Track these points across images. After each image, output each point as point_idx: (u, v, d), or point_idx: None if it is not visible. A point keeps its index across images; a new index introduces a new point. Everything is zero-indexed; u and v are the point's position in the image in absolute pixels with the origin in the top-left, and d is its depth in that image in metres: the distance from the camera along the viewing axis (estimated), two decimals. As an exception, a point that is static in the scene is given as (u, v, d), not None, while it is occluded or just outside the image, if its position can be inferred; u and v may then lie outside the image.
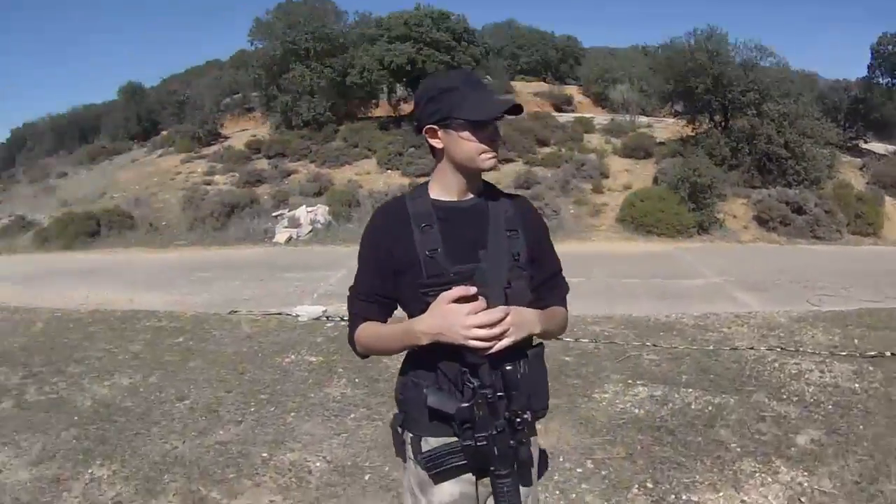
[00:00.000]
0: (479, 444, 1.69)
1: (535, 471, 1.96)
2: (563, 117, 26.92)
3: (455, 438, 1.75)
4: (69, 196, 22.24)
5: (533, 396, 1.79)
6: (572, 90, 35.89)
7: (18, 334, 7.90)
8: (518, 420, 1.68)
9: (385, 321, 1.90)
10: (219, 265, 13.01)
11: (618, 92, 30.58)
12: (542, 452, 2.14)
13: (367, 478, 4.00)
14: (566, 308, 2.01)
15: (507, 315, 1.66)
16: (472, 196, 1.87)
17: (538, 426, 2.01)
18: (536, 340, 1.86)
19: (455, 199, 1.85)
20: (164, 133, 30.07)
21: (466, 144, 1.76)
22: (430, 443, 1.81)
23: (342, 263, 11.18)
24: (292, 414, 5.05)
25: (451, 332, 1.66)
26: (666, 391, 5.17)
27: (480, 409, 1.68)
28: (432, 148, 1.84)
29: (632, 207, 15.55)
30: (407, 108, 27.22)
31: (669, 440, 4.31)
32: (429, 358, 1.79)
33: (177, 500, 3.84)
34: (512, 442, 1.69)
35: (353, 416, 4.99)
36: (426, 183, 1.91)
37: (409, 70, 23.72)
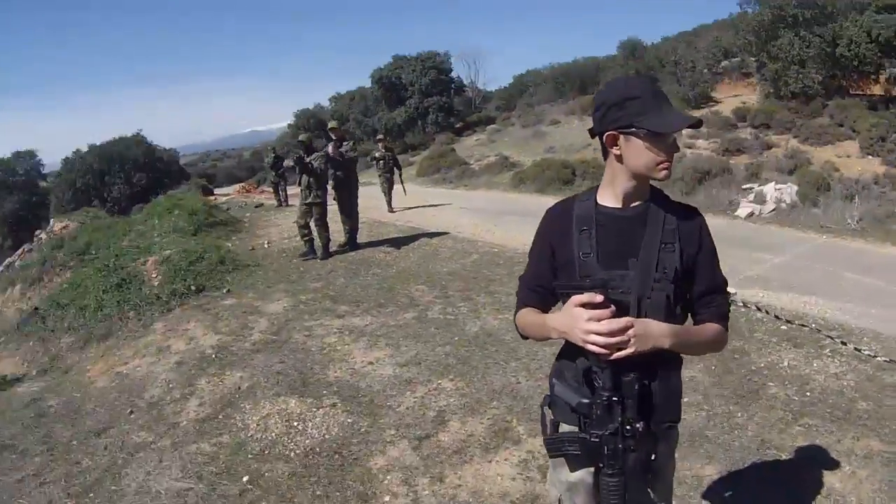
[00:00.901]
0: (591, 439, 1.88)
1: (662, 485, 2.10)
2: None
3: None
4: (556, 143, 24.91)
5: (658, 409, 1.94)
6: None
7: (452, 262, 9.61)
8: (628, 427, 1.84)
9: (546, 310, 2.15)
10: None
11: None
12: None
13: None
14: (724, 327, 2.08)
15: (629, 326, 1.82)
16: (638, 203, 2.01)
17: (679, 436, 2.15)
18: (680, 355, 2.00)
19: (619, 206, 2.01)
20: (659, 91, 31.31)
21: (646, 154, 1.91)
22: (564, 428, 2.07)
23: (788, 249, 10.56)
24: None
25: (572, 333, 1.88)
26: None
27: (598, 409, 1.87)
28: (606, 153, 2.00)
29: None
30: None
31: None
32: (571, 352, 2.04)
33: (487, 422, 4.70)
34: (621, 446, 1.85)
35: (687, 399, 5.14)
36: (597, 186, 2.09)
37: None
